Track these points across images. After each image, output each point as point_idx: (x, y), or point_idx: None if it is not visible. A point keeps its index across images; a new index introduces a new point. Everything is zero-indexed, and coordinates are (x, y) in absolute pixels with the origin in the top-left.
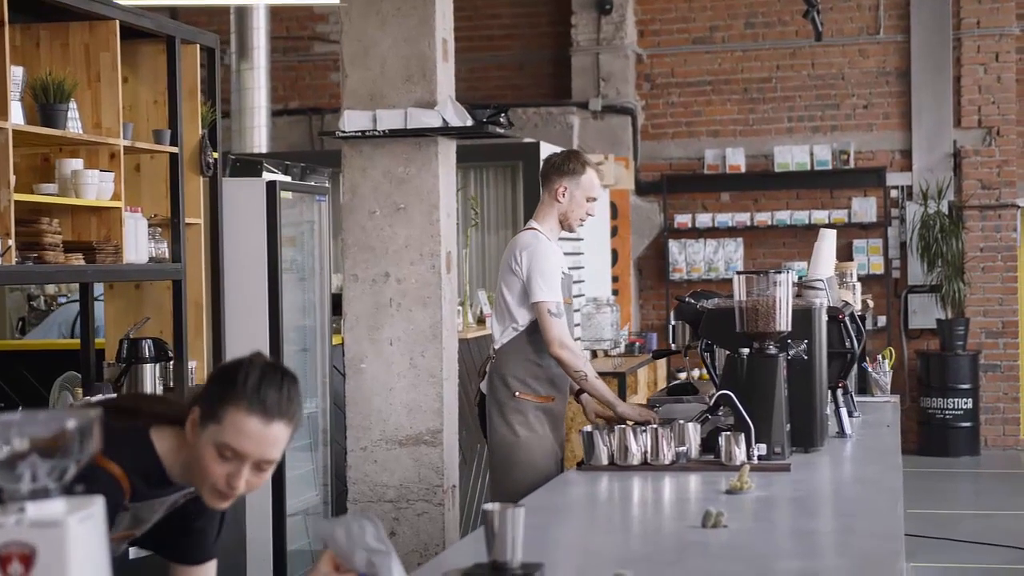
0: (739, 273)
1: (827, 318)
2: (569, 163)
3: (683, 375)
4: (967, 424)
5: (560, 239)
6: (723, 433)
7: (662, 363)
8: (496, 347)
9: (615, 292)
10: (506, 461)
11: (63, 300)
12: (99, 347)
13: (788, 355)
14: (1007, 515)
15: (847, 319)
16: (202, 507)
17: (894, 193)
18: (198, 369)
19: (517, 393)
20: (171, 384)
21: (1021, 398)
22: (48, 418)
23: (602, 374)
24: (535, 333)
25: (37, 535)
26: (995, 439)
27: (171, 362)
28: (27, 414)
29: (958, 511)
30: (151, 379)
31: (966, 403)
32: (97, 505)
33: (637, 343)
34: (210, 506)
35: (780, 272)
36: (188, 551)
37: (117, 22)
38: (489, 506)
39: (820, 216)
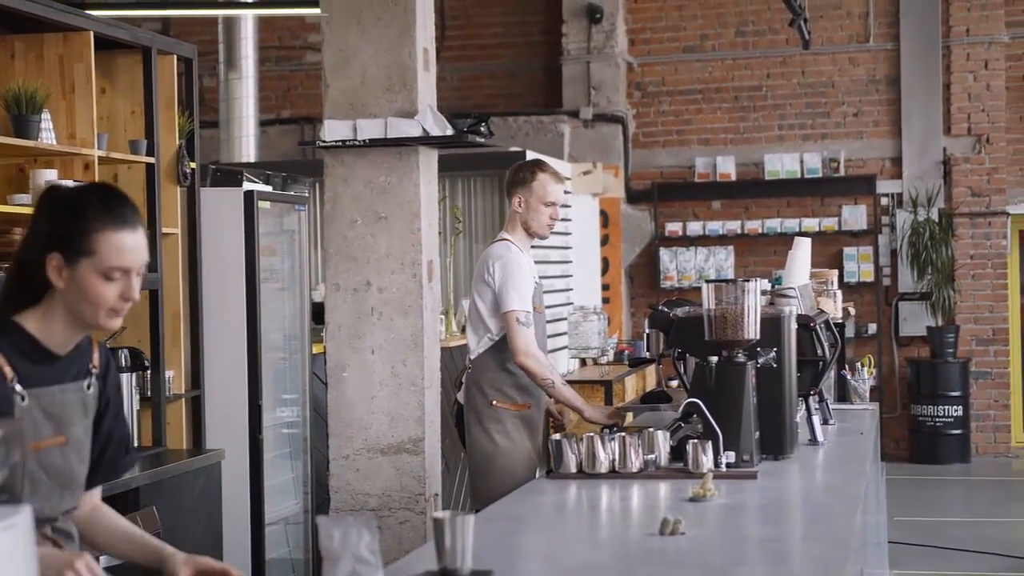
0: (708, 281)
1: (798, 326)
2: (519, 173)
3: (675, 383)
4: (957, 431)
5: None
6: (691, 441)
7: (651, 371)
8: (471, 357)
9: (606, 300)
10: (485, 469)
11: None
12: None
13: (757, 363)
14: (997, 522)
15: (820, 327)
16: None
17: (884, 201)
18: (175, 379)
19: (494, 402)
20: (148, 394)
21: (1011, 405)
22: None
23: (589, 382)
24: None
25: None
26: (985, 446)
27: (148, 371)
28: None
29: (947, 518)
30: (127, 389)
31: (956, 410)
32: (23, 514)
33: (627, 351)
34: (106, 327)
35: (748, 280)
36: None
37: (91, 33)
38: (438, 514)
39: (810, 224)
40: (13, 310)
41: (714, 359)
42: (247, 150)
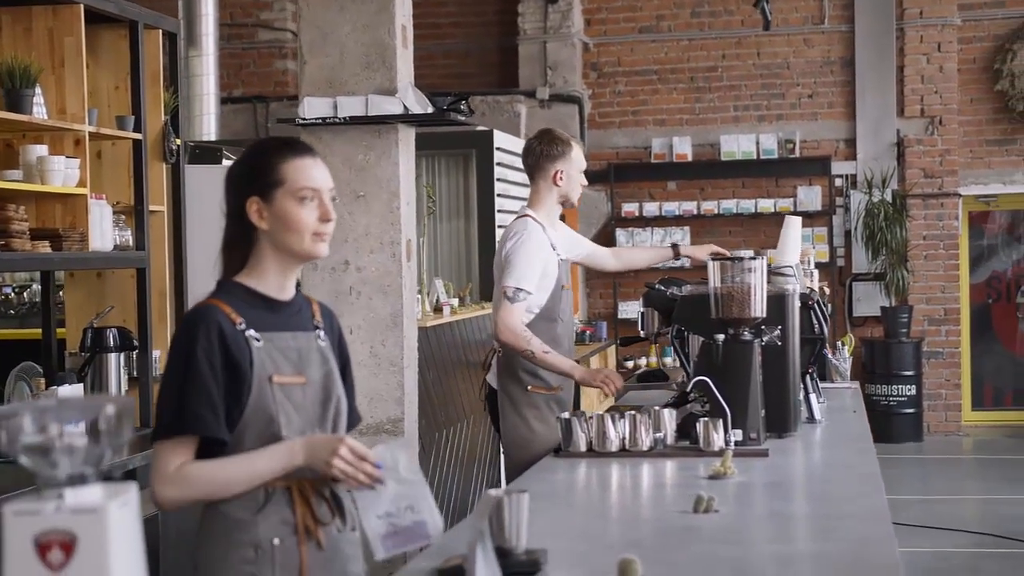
0: (714, 259)
1: (799, 304)
2: (556, 146)
3: (643, 361)
4: (910, 410)
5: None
6: (701, 419)
7: (611, 351)
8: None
9: None
10: (523, 456)
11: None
12: (60, 337)
13: (763, 341)
14: (950, 499)
15: (816, 304)
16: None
17: (839, 182)
18: (163, 358)
19: (529, 387)
20: (135, 374)
21: (963, 384)
22: (85, 404)
23: None
24: (541, 323)
25: (77, 522)
26: (937, 425)
27: (135, 351)
28: (64, 400)
29: (902, 496)
30: (115, 369)
31: (909, 390)
32: (132, 492)
33: (587, 332)
34: (315, 253)
35: (755, 258)
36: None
37: (81, 6)
38: (495, 492)
39: (766, 204)
40: (228, 276)
41: (721, 337)
42: (208, 128)
